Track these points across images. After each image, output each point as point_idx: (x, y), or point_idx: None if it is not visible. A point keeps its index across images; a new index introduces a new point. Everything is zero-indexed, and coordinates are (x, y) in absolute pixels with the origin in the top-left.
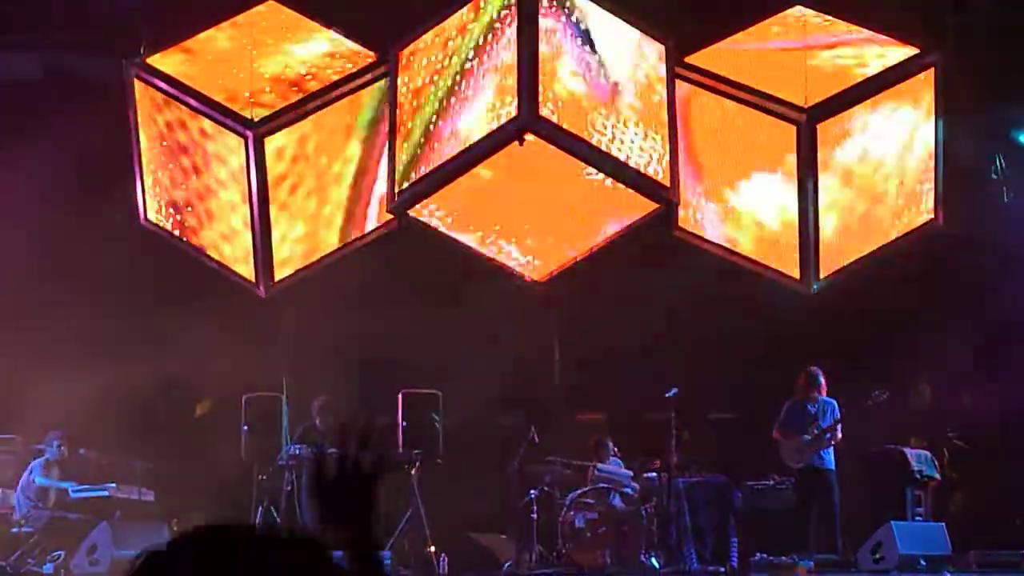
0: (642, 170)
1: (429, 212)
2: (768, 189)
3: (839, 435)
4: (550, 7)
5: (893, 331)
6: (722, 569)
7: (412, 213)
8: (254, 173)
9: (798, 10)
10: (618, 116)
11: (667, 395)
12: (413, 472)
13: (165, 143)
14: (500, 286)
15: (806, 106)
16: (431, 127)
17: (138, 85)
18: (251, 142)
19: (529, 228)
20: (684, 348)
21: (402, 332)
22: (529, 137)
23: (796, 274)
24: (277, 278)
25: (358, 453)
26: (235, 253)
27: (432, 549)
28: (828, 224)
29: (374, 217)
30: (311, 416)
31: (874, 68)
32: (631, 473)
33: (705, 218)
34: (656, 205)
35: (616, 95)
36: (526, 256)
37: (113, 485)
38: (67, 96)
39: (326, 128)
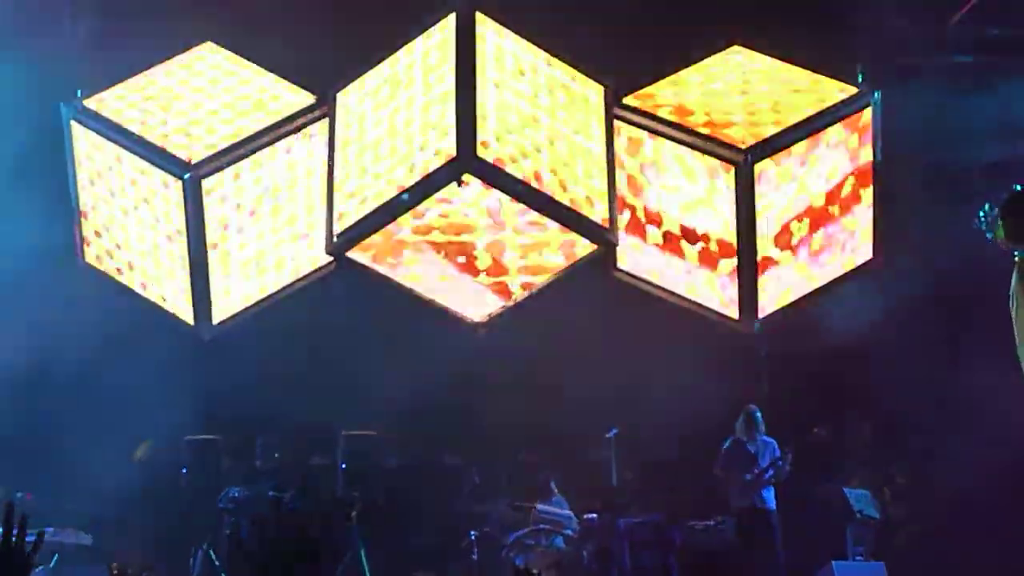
0: (581, 212)
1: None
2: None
3: (784, 473)
4: (488, 47)
5: (834, 369)
6: None
7: (351, 255)
8: (191, 216)
9: (736, 50)
10: (556, 157)
11: (607, 435)
12: (353, 513)
13: (103, 185)
14: (440, 326)
15: (744, 146)
16: (369, 168)
17: (75, 127)
18: (188, 184)
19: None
20: (624, 387)
21: (341, 373)
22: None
23: (735, 315)
24: (216, 321)
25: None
26: (174, 295)
27: None
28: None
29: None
30: (253, 456)
31: (813, 108)
32: (572, 515)
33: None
34: (595, 246)
35: (554, 136)
36: (467, 298)
37: (51, 529)
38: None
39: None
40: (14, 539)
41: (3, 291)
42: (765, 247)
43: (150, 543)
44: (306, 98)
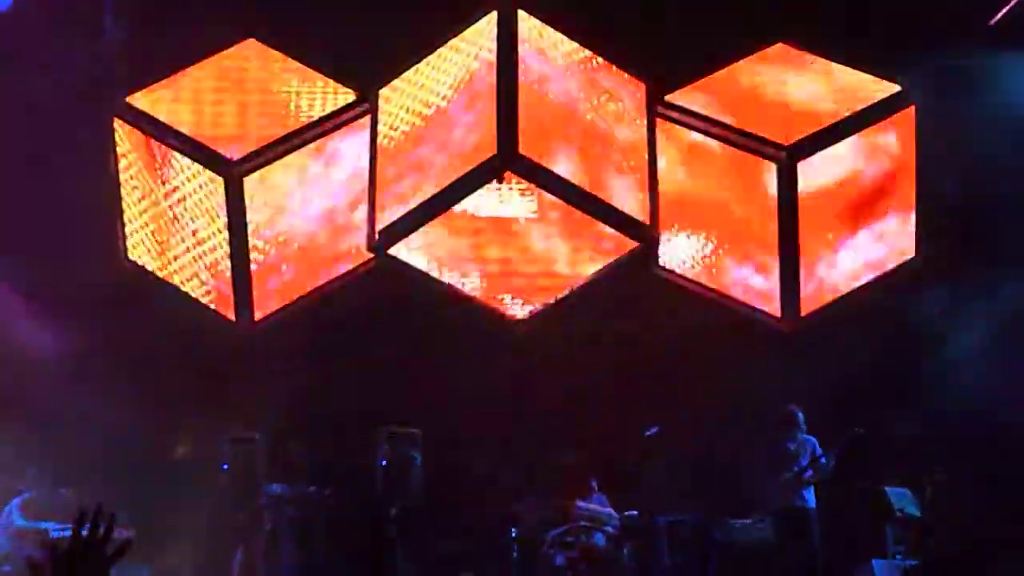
0: (622, 208)
1: (408, 250)
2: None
3: (827, 472)
4: (530, 44)
5: (874, 370)
6: None
7: (392, 252)
8: (233, 212)
9: (779, 48)
10: (597, 154)
11: (647, 434)
12: (393, 512)
13: (145, 182)
14: (480, 326)
15: (786, 144)
16: (411, 165)
17: (118, 124)
18: (230, 181)
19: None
20: (664, 387)
21: (381, 371)
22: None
23: (777, 312)
24: (257, 317)
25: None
26: (216, 291)
27: None
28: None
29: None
30: (290, 452)
31: (856, 105)
32: (612, 512)
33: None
34: (635, 244)
35: (594, 132)
36: (505, 296)
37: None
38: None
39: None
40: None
41: None
42: (808, 245)
43: (190, 540)
44: (348, 95)
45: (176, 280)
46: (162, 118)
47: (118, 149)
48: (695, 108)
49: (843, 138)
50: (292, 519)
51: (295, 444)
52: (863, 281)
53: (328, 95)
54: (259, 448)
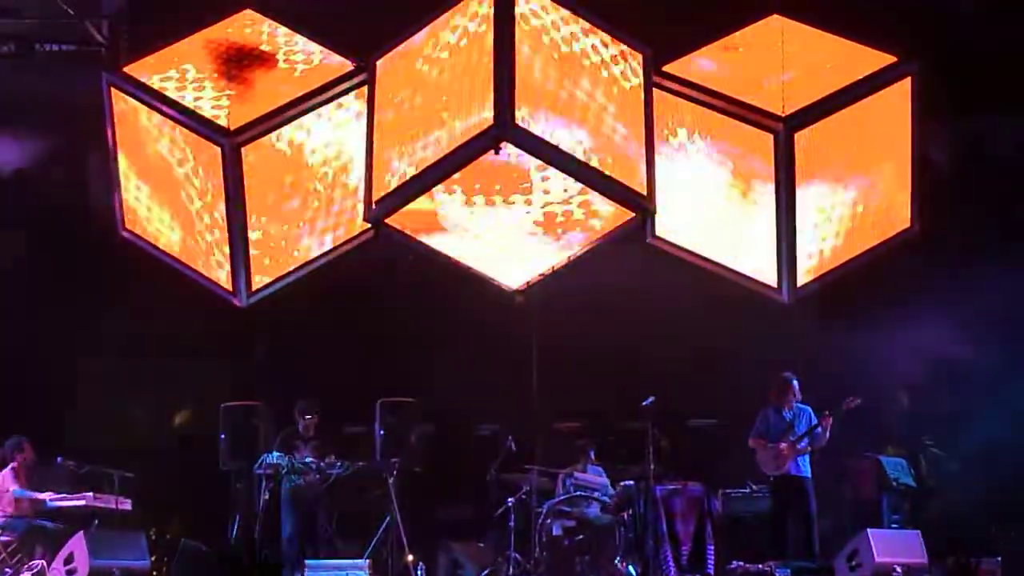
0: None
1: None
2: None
3: (822, 441)
4: (527, 14)
5: (870, 336)
6: None
7: (389, 222)
8: (230, 182)
9: (774, 19)
10: (594, 124)
11: (644, 404)
12: (391, 480)
13: (142, 152)
14: (476, 295)
15: (783, 115)
16: (407, 136)
17: (115, 94)
18: (227, 151)
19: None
20: (660, 356)
21: (379, 339)
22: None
23: (773, 282)
24: (254, 287)
25: None
26: (212, 263)
27: (410, 558)
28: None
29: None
30: (291, 422)
31: (853, 76)
32: (607, 482)
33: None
34: (632, 214)
35: (591, 102)
36: (504, 265)
37: (90, 494)
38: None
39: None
40: None
41: None
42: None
43: (188, 508)
44: (345, 65)
45: (175, 251)
46: (159, 88)
47: (115, 118)
48: (692, 79)
49: (840, 109)
50: (291, 488)
51: (294, 413)
52: (859, 252)
53: (325, 65)
54: (259, 417)
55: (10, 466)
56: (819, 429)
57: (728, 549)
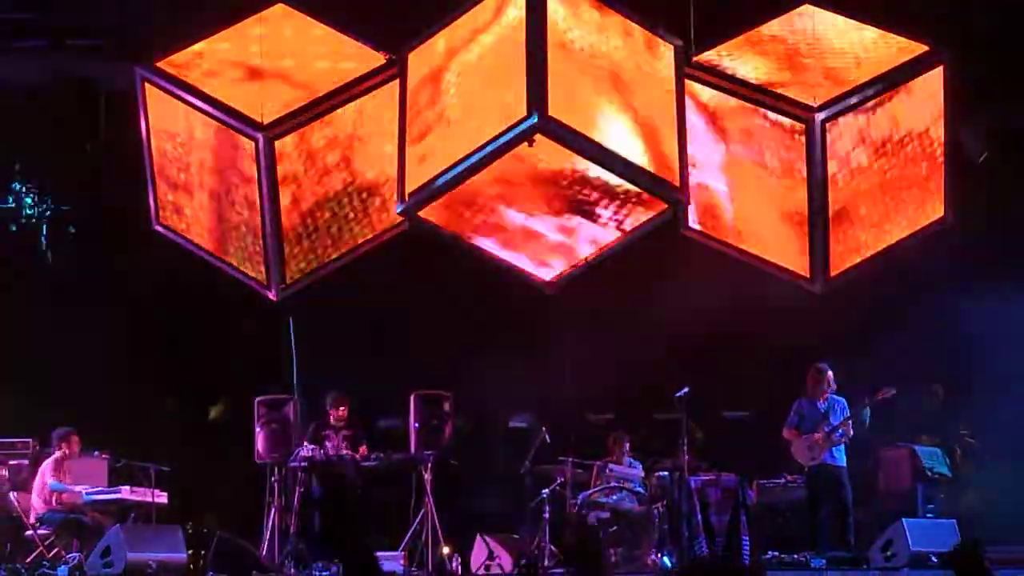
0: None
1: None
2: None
3: (852, 432)
4: (559, 6)
5: (902, 329)
6: None
7: (423, 215)
8: (264, 175)
9: (807, 8)
10: (626, 116)
11: (677, 395)
12: (426, 473)
13: (176, 146)
14: (511, 288)
15: (815, 104)
16: (440, 129)
17: (149, 89)
18: (261, 144)
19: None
20: (695, 347)
21: (413, 333)
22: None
23: (806, 272)
24: (288, 281)
25: None
26: (245, 256)
27: (445, 550)
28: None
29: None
30: (324, 412)
31: (884, 66)
32: (642, 473)
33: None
34: (665, 205)
35: (624, 94)
36: (536, 259)
37: (127, 487)
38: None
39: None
40: None
41: None
42: (836, 205)
43: (224, 502)
44: (377, 59)
45: (208, 245)
46: (192, 82)
47: (148, 112)
48: (724, 69)
49: (872, 98)
50: (324, 480)
51: (328, 406)
52: (891, 242)
53: (358, 59)
54: (294, 411)
55: (52, 457)
56: (853, 420)
57: (763, 539)
